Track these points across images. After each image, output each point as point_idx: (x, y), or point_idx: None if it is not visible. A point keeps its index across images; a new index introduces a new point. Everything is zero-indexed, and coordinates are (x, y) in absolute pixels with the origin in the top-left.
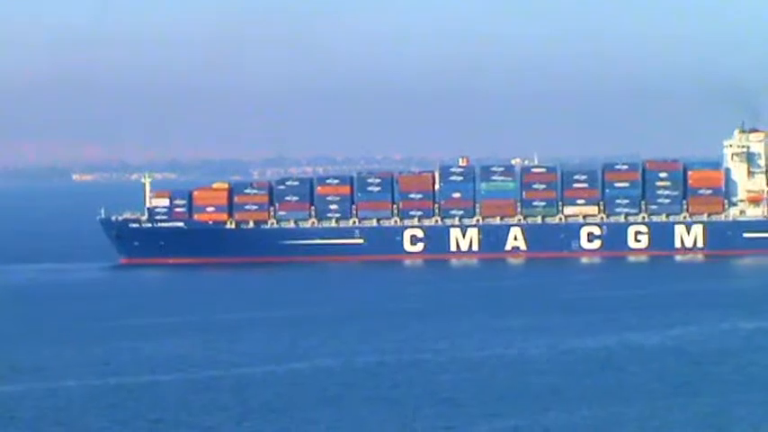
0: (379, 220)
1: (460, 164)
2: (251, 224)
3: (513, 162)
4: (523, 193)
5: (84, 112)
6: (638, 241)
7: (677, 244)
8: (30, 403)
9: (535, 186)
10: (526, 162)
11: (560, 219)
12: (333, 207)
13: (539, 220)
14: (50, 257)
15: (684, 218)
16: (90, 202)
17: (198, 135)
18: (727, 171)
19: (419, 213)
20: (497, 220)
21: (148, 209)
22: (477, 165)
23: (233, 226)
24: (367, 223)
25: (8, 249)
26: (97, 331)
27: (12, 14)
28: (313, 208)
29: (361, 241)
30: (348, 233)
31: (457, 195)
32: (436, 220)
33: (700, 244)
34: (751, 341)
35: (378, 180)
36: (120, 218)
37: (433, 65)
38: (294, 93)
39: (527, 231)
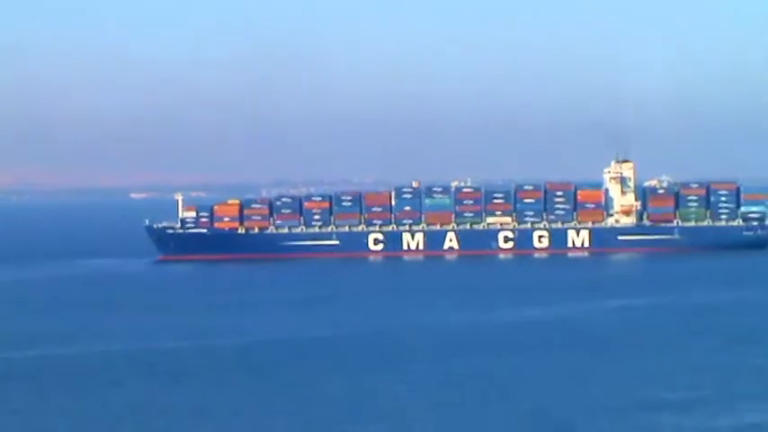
0: (350, 227)
1: (413, 185)
2: (256, 230)
3: (452, 183)
4: (457, 206)
5: (143, 147)
6: (541, 242)
7: (570, 244)
8: (86, 361)
9: (465, 202)
10: (462, 183)
11: (484, 226)
12: (316, 217)
13: (468, 226)
14: (109, 254)
15: (575, 225)
16: (141, 214)
17: (223, 163)
18: (606, 191)
19: (380, 222)
20: (438, 227)
21: (181, 219)
22: (423, 186)
23: (243, 231)
24: (341, 229)
25: (79, 248)
26: (142, 308)
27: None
28: (302, 218)
29: (337, 242)
30: (328, 236)
31: (408, 208)
32: (393, 227)
33: (586, 244)
34: (617, 314)
35: (350, 197)
36: (159, 226)
37: (397, 110)
38: (294, 132)
39: (459, 235)
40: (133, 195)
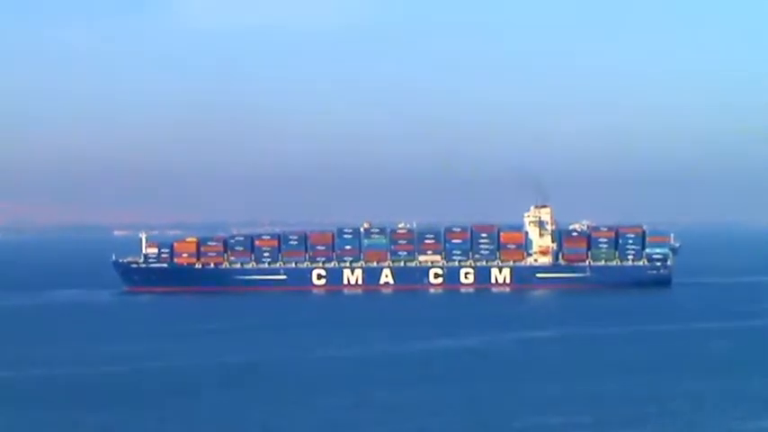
0: (296, 263)
1: (364, 226)
2: (212, 265)
3: (399, 225)
4: (392, 246)
5: (126, 191)
6: (467, 279)
7: (493, 281)
8: (23, 384)
9: (400, 241)
10: (408, 225)
11: (416, 263)
12: (266, 254)
13: (402, 263)
14: (80, 285)
15: (498, 263)
16: (119, 249)
17: (197, 205)
18: (526, 233)
19: (323, 259)
20: (375, 264)
21: (144, 255)
22: (362, 227)
23: (200, 266)
24: (288, 265)
25: (54, 280)
26: (107, 335)
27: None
28: (253, 255)
29: (284, 277)
30: (276, 272)
31: (348, 247)
32: (334, 264)
33: (508, 281)
34: (524, 345)
35: (296, 237)
36: (124, 260)
37: (349, 164)
38: (259, 181)
39: (394, 271)
40: (116, 233)
